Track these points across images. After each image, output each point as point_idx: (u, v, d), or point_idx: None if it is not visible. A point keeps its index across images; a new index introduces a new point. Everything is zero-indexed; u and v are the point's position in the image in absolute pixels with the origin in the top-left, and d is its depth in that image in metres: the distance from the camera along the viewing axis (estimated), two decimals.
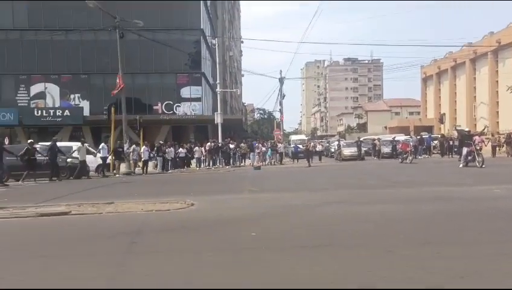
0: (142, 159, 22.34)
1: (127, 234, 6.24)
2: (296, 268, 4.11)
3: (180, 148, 24.92)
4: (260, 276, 3.93)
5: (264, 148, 28.19)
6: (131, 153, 21.69)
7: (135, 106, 33.27)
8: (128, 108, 24.61)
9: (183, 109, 37.14)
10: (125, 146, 22.08)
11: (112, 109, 22.41)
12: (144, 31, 28.60)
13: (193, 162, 25.88)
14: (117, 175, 20.55)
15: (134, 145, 22.05)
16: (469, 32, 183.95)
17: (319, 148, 30.96)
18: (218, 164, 25.76)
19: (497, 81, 41.71)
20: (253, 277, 3.91)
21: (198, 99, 37.73)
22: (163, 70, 37.27)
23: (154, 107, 37.12)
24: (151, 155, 23.98)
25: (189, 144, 27.34)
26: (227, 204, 9.11)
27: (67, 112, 34.45)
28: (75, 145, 20.38)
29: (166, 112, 36.59)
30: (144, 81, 37.28)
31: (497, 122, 40.53)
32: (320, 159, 29.27)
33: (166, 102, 37.15)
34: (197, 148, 25.69)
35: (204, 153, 25.50)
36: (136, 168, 22.42)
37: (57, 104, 35.87)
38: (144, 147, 22.82)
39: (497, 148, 27.80)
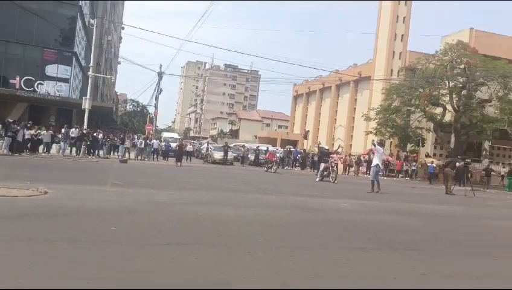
0: None
1: None
2: (154, 265, 4.01)
3: (45, 132, 22.40)
4: (116, 271, 3.75)
5: (136, 142, 27.10)
6: None
7: None
8: None
9: (47, 88, 33.64)
10: None
11: None
12: None
13: (53, 147, 23.57)
14: None
15: None
16: (338, 60, 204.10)
17: (189, 148, 30.88)
18: (81, 153, 23.83)
19: (354, 108, 47.01)
20: (109, 272, 3.70)
21: (65, 80, 34.57)
22: (28, 42, 33.25)
23: (11, 81, 32.85)
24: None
25: (51, 127, 24.81)
26: (86, 195, 8.48)
27: None
28: None
29: (25, 88, 32.66)
30: (1, 50, 32.74)
31: (351, 144, 45.61)
32: (189, 160, 29.20)
33: (27, 77, 33.20)
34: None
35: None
36: None
37: None
38: None
39: (348, 168, 31.48)
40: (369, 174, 19.25)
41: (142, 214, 6.89)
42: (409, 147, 34.68)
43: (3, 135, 20.95)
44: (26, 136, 21.66)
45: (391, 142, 37.92)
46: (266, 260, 4.57)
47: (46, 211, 6.38)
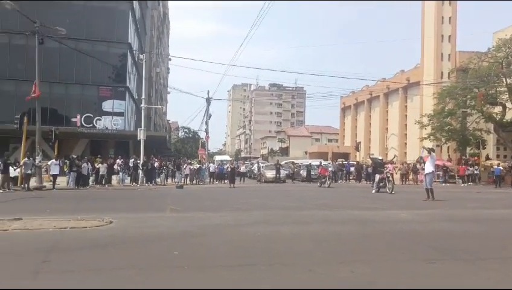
0: (51, 173, 20.76)
1: (38, 252, 5.81)
2: (219, 287, 4.12)
3: (100, 164, 23.70)
4: None
5: (191, 167, 27.96)
6: (23, 167, 19.81)
7: (51, 117, 31.31)
8: (43, 119, 23.10)
9: (104, 123, 35.64)
10: (38, 158, 20.55)
11: (25, 119, 20.79)
12: (66, 40, 27.22)
13: (114, 178, 24.79)
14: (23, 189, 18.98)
15: (26, 158, 20.07)
16: (384, 68, 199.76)
17: (242, 169, 31.31)
18: (139, 182, 24.88)
19: (406, 115, 45.64)
20: None
21: (121, 114, 36.47)
22: (85, 82, 35.61)
23: (73, 120, 35.17)
24: (65, 170, 22.54)
25: (110, 159, 26.17)
26: (148, 222, 8.85)
27: None
28: None
29: (85, 125, 34.82)
30: (62, 92, 35.26)
31: (405, 152, 44.13)
32: (243, 180, 29.56)
33: (86, 115, 35.42)
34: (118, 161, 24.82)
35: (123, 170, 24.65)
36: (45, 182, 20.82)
37: None
38: (53, 160, 21.23)
39: (405, 177, 30.27)
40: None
41: (200, 237, 7.07)
42: (469, 150, 33.00)
43: (69, 171, 22.33)
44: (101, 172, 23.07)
45: (448, 147, 36.31)
46: (327, 276, 4.54)
47: (112, 241, 6.72)
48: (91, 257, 5.60)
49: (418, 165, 29.96)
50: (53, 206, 12.07)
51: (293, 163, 34.85)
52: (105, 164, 23.76)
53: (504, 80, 29.11)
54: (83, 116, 35.11)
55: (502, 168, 26.67)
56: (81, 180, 21.84)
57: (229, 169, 26.71)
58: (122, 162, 25.56)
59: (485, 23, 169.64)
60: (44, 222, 8.36)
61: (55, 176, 20.64)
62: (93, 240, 6.75)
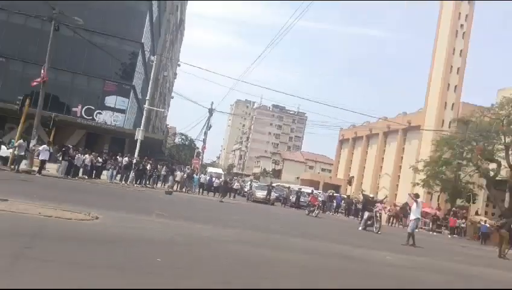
0: (40, 158, 20.38)
1: (20, 237, 5.75)
2: None
3: (98, 158, 23.56)
4: None
5: (183, 175, 27.84)
6: (17, 148, 19.55)
7: (52, 104, 31.27)
8: (44, 104, 23.05)
9: (104, 117, 35.61)
10: (32, 142, 20.42)
11: (27, 101, 20.73)
12: (81, 30, 27.39)
13: (104, 173, 24.61)
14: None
15: (21, 140, 19.84)
16: (387, 107, 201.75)
17: (236, 185, 31.22)
18: (129, 181, 24.71)
19: (401, 157, 45.86)
20: None
21: (122, 111, 36.49)
22: (92, 74, 35.70)
23: (73, 109, 35.17)
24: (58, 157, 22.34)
25: (104, 154, 26.06)
26: (133, 224, 8.77)
27: None
28: None
29: (85, 116, 34.78)
30: (68, 80, 35.28)
31: (396, 194, 44.16)
32: (233, 197, 29.41)
33: (88, 106, 35.41)
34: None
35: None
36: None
37: None
38: (45, 146, 20.89)
39: (393, 218, 30.24)
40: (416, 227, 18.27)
41: (185, 247, 7.01)
42: (459, 202, 33.08)
43: (60, 159, 22.14)
44: (86, 162, 22.77)
45: (439, 196, 36.40)
46: None
47: (95, 237, 6.66)
48: (72, 250, 5.53)
49: (409, 209, 29.91)
50: (40, 193, 11.93)
51: (288, 188, 34.76)
52: (99, 159, 23.61)
53: (503, 137, 29.42)
54: (84, 108, 35.10)
55: (488, 225, 26.64)
56: (72, 170, 21.66)
57: (222, 182, 26.62)
58: (114, 159, 25.41)
59: (493, 77, 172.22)
60: (30, 207, 8.26)
61: (43, 161, 20.28)
62: (76, 233, 6.68)
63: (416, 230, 17.09)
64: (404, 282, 7.13)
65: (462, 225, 29.99)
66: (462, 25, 41.30)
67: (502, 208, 30.06)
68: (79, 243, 6.01)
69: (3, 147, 19.20)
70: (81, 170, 22.66)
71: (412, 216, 15.16)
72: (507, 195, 30.45)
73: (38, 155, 20.41)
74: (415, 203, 15.18)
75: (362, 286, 6.24)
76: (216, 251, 7.14)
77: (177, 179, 27.12)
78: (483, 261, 14.40)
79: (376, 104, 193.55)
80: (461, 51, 40.93)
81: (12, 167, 19.35)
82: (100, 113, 35.52)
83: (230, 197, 28.21)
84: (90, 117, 34.91)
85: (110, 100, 36.03)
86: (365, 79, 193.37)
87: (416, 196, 15.77)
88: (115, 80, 36.45)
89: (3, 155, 19.84)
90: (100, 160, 23.56)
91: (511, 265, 14.23)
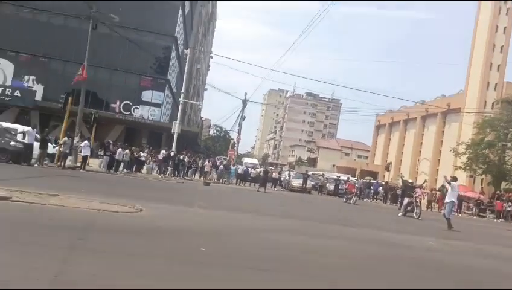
0: (82, 154, 21.26)
1: (73, 229, 6.07)
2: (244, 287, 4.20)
3: (141, 152, 24.36)
4: None
5: (221, 166, 28.26)
6: (62, 145, 20.42)
7: (92, 100, 32.36)
8: (85, 101, 23.90)
9: (141, 112, 36.53)
10: (76, 139, 21.30)
11: (70, 99, 21.60)
12: (117, 27, 28.11)
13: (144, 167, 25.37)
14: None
15: (66, 138, 20.65)
16: (425, 90, 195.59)
17: (275, 175, 31.39)
18: (168, 174, 25.36)
19: (441, 141, 44.52)
20: None
21: (158, 105, 37.30)
22: (128, 70, 36.62)
23: (112, 105, 36.24)
24: (99, 153, 23.23)
25: (146, 149, 26.87)
26: (176, 215, 9.05)
27: (17, 92, 32.84)
28: (22, 128, 19.36)
29: (123, 111, 35.81)
30: (106, 77, 36.39)
31: (436, 179, 43.00)
32: (274, 187, 29.51)
33: (125, 102, 36.42)
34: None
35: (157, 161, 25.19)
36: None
37: (8, 83, 34.10)
38: (86, 142, 21.71)
39: (432, 203, 29.52)
40: (457, 212, 17.86)
41: (229, 237, 7.17)
42: (504, 185, 31.83)
43: (103, 154, 23.02)
44: (141, 158, 23.62)
45: (482, 179, 35.18)
46: None
47: (142, 228, 6.93)
48: (122, 241, 5.78)
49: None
50: (86, 187, 12.50)
51: (322, 175, 34.61)
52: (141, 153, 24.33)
53: None
54: (122, 103, 36.13)
55: None
56: (114, 165, 22.46)
57: (262, 173, 26.79)
58: (153, 152, 26.13)
59: None
60: (79, 201, 8.67)
61: (85, 157, 21.21)
62: (124, 226, 6.97)
63: (455, 214, 16.73)
64: (451, 268, 7.01)
65: (509, 209, 28.89)
66: (505, 2, 39.28)
67: None
68: (127, 235, 6.28)
69: (49, 145, 20.15)
70: (122, 164, 23.46)
71: (447, 199, 14.91)
72: None
73: (81, 151, 21.31)
74: (450, 187, 14.87)
75: (409, 273, 6.19)
76: (256, 239, 7.26)
77: (206, 169, 27.27)
78: None
79: (413, 87, 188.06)
80: (505, 28, 39.03)
81: (59, 163, 20.29)
82: (137, 108, 36.47)
83: (271, 187, 28.36)
84: (128, 112, 35.93)
85: (147, 95, 36.90)
86: (402, 62, 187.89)
87: (454, 179, 15.41)
88: (150, 75, 37.26)
89: (50, 152, 20.81)
90: (142, 154, 24.26)
91: None
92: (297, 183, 29.83)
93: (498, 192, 31.20)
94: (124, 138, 34.43)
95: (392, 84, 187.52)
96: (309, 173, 33.55)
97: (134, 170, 24.30)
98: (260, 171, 27.80)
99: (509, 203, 29.36)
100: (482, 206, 30.31)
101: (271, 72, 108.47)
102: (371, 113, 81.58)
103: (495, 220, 27.52)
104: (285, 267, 5.38)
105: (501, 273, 7.27)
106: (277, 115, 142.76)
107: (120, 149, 23.19)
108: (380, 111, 59.33)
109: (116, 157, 22.70)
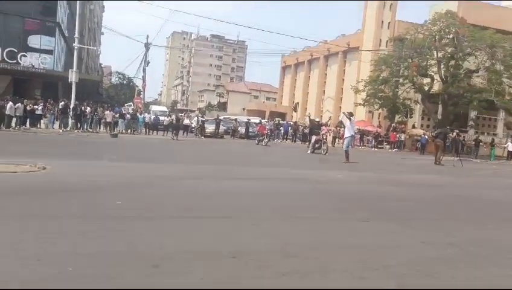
0: None
1: None
2: (165, 238, 4.09)
3: (35, 105, 22.02)
4: (131, 245, 3.81)
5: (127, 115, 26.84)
6: None
7: None
8: None
9: (30, 60, 32.83)
10: None
11: None
12: None
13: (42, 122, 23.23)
14: None
15: None
16: (327, 30, 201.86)
17: (186, 122, 30.63)
18: (70, 127, 23.55)
19: (343, 79, 46.95)
20: (124, 247, 3.76)
21: (49, 52, 33.77)
22: (7, 11, 32.08)
23: None
24: None
25: (41, 101, 24.40)
26: (85, 171, 8.48)
27: None
28: None
29: (8, 60, 31.81)
30: None
31: (339, 116, 45.66)
32: (186, 134, 28.93)
33: (9, 49, 32.30)
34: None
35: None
36: None
37: None
38: None
39: (336, 139, 31.66)
40: (360, 145, 19.28)
41: (143, 188, 6.92)
42: (397, 118, 34.99)
43: None
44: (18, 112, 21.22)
45: (379, 114, 38.22)
46: (271, 230, 4.68)
47: (48, 187, 6.38)
48: (24, 203, 5.27)
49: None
50: None
51: (235, 120, 34.73)
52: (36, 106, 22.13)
53: (435, 53, 30.73)
54: (5, 51, 31.99)
55: (427, 137, 28.81)
56: (4, 121, 20.22)
57: (173, 120, 26.06)
58: (51, 104, 23.93)
59: None
60: None
61: None
62: (26, 186, 6.36)
63: (360, 147, 18.14)
64: (355, 196, 7.60)
65: (401, 139, 32.14)
66: None
67: (436, 119, 32.31)
68: (31, 196, 5.73)
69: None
70: (14, 119, 21.20)
71: (347, 134, 15.98)
72: (440, 107, 32.54)
73: None
74: (348, 122, 15.81)
75: (318, 203, 6.57)
76: (172, 188, 7.12)
77: (108, 119, 25.79)
78: (421, 169, 15.65)
79: (316, 28, 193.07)
80: None
81: None
82: (25, 55, 32.65)
83: (183, 135, 27.81)
84: (14, 61, 32.02)
85: (34, 40, 33.04)
86: (302, 3, 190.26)
87: (350, 114, 16.43)
88: (35, 17, 33.15)
89: None
90: (38, 108, 22.05)
91: (446, 170, 15.63)
92: (211, 128, 29.69)
93: (393, 124, 34.30)
94: (12, 90, 30.89)
95: (296, 25, 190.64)
96: (221, 118, 33.50)
97: (29, 125, 22.13)
98: (172, 119, 27.00)
99: (402, 134, 32.66)
100: (380, 139, 33.28)
101: (173, 12, 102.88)
102: (276, 55, 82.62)
103: (390, 150, 30.49)
104: (204, 213, 5.37)
105: (400, 196, 8.09)
106: (182, 59, 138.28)
107: (11, 103, 20.80)
108: (286, 52, 60.33)
109: (7, 112, 20.39)
